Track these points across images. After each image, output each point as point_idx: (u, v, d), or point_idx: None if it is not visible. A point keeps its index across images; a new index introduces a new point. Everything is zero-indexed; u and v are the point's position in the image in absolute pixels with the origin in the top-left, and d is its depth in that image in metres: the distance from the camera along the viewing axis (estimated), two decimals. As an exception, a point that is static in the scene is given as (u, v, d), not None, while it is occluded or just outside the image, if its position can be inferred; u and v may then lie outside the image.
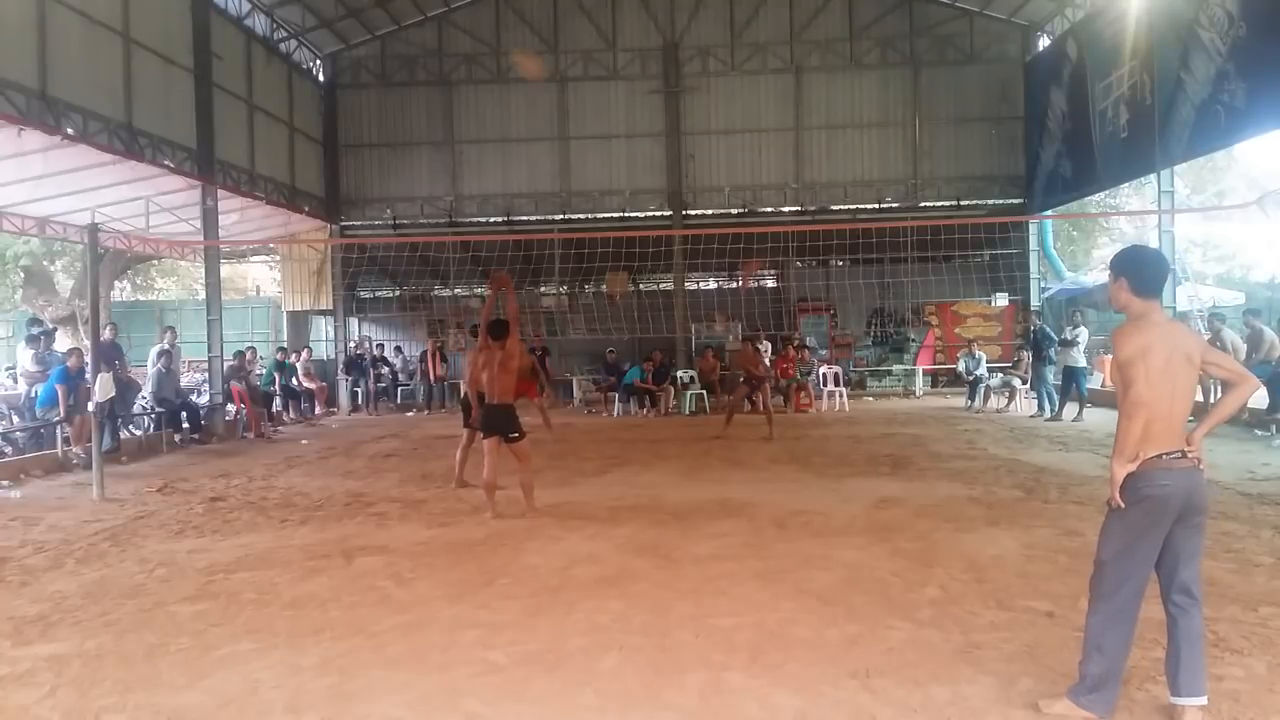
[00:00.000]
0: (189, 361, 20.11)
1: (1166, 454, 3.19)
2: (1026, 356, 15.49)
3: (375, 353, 19.65)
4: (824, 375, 17.58)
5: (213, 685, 3.86)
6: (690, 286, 21.39)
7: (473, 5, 20.08)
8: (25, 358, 11.98)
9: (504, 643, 4.29)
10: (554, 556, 5.94)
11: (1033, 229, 19.83)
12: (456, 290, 22.01)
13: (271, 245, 22.19)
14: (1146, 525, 3.22)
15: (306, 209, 18.82)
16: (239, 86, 15.93)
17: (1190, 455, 3.22)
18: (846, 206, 19.90)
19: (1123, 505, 3.22)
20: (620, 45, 20.02)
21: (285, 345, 18.91)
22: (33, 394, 11.36)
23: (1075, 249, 29.36)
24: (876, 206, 19.91)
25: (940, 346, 20.37)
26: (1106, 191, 21.62)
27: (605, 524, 6.94)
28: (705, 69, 19.96)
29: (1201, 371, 3.32)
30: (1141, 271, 3.34)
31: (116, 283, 25.69)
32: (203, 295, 17.91)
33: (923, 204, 19.92)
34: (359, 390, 19.01)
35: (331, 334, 21.25)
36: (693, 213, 20.02)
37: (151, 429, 12.95)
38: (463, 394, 9.69)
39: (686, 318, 20.15)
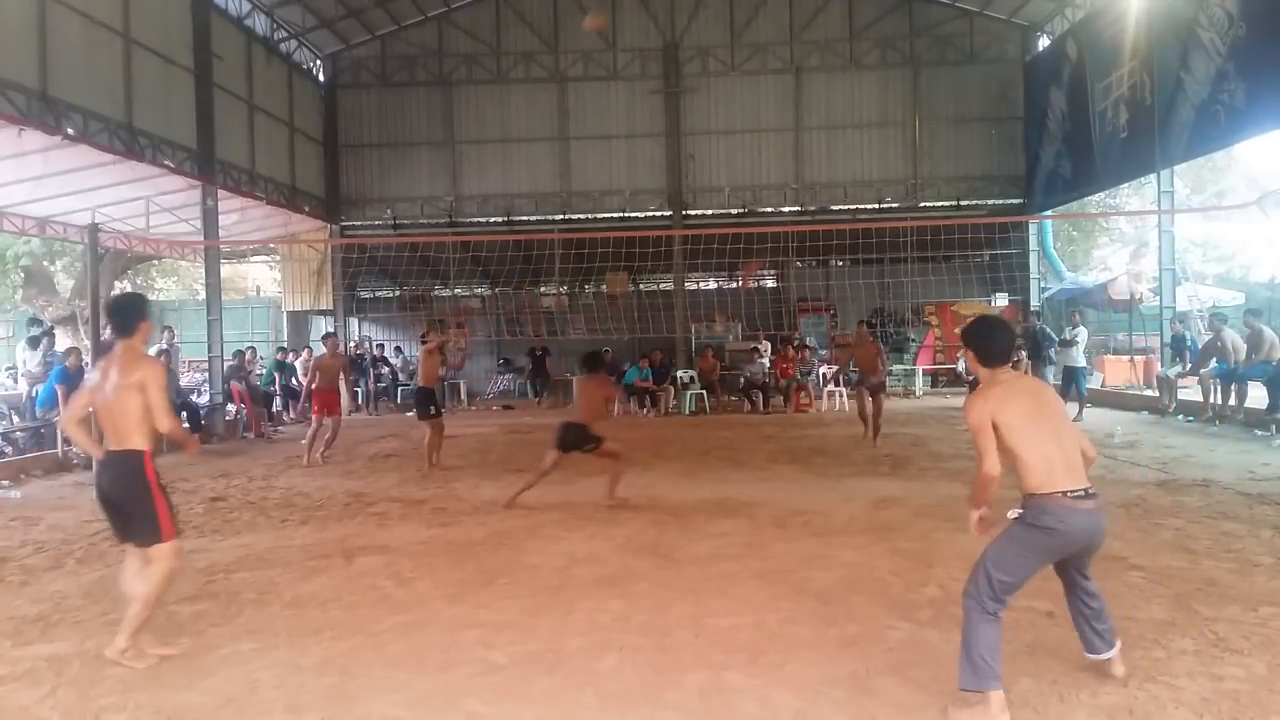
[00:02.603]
0: (189, 361, 20.10)
1: (1070, 492, 3.39)
2: (1025, 357, 15.48)
3: (375, 353, 19.65)
4: (824, 375, 17.57)
5: (213, 685, 3.86)
6: (690, 286, 21.40)
7: (473, 5, 20.09)
8: (30, 359, 11.98)
9: (504, 643, 4.29)
10: (554, 556, 5.94)
11: (1032, 229, 19.84)
12: (456, 290, 22.02)
13: (271, 245, 22.20)
14: (1044, 551, 3.47)
15: (306, 209, 18.82)
16: (239, 86, 15.94)
17: (1093, 494, 3.44)
18: (846, 206, 19.91)
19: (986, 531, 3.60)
20: (620, 45, 20.02)
21: (285, 345, 18.92)
22: (33, 394, 11.36)
23: (1075, 249, 29.35)
24: (876, 206, 19.91)
25: (940, 346, 20.38)
26: (1106, 191, 21.63)
27: (605, 524, 6.94)
28: (705, 69, 19.96)
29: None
30: (987, 345, 3.62)
31: (117, 283, 25.63)
32: (203, 295, 17.92)
33: (923, 204, 19.93)
34: (359, 390, 19.01)
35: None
36: (693, 213, 20.03)
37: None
38: (414, 388, 10.94)
39: (686, 318, 20.16)
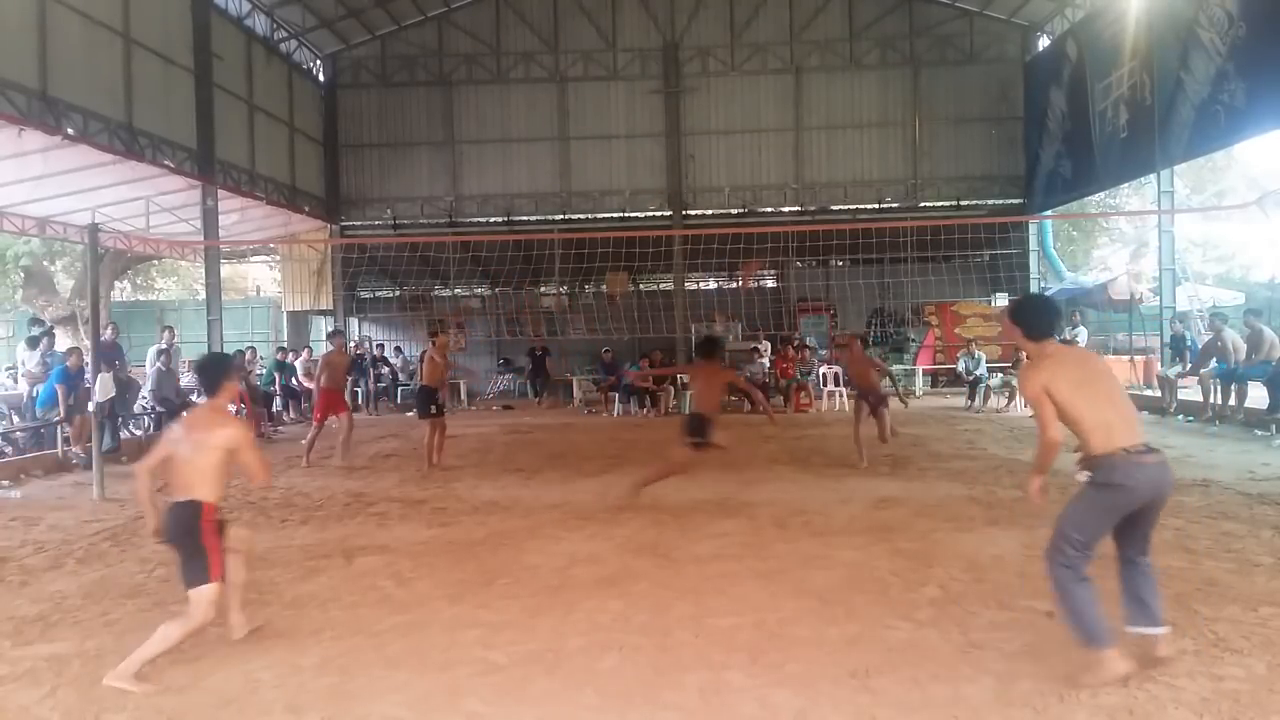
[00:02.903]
0: (189, 362, 20.09)
1: (1131, 448, 3.55)
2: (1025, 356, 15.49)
3: (375, 353, 19.65)
4: (824, 375, 17.57)
5: (213, 685, 3.86)
6: (690, 286, 21.41)
7: (473, 5, 20.10)
8: (29, 359, 11.98)
9: (504, 643, 4.28)
10: (554, 556, 5.94)
11: (1032, 229, 19.85)
12: (456, 290, 22.02)
13: (271, 245, 22.20)
14: (1115, 508, 3.61)
15: (306, 209, 18.83)
16: (239, 86, 15.94)
17: (1154, 449, 3.60)
18: (846, 206, 19.92)
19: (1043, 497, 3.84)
20: (620, 45, 20.03)
21: (285, 345, 18.92)
22: (33, 394, 11.36)
23: (1075, 249, 29.36)
24: (876, 206, 19.92)
25: (940, 346, 20.38)
26: (1106, 191, 21.64)
27: (605, 524, 6.94)
28: (705, 69, 19.97)
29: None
30: (1034, 319, 3.84)
31: (117, 283, 25.68)
32: (203, 295, 17.92)
33: (923, 204, 19.94)
34: (359, 390, 19.00)
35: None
36: (693, 213, 20.04)
37: (151, 429, 12.94)
38: (418, 388, 10.80)
39: (686, 318, 20.16)
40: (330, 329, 11.86)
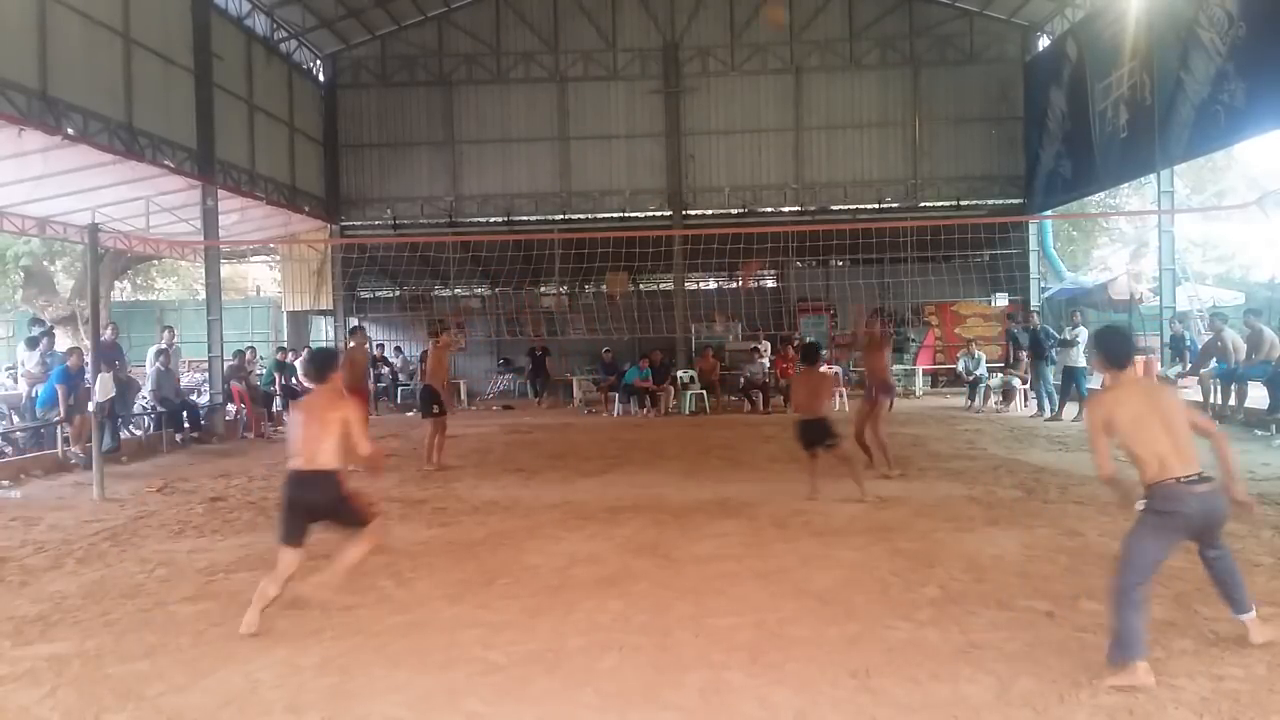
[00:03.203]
0: (189, 361, 20.10)
1: (1183, 478, 3.78)
2: (1025, 356, 15.51)
3: (375, 353, 19.64)
4: (824, 375, 17.54)
5: (213, 685, 3.86)
6: (690, 286, 21.40)
7: (473, 5, 20.09)
8: (29, 359, 11.98)
9: (504, 642, 4.29)
10: (554, 556, 5.94)
11: (1032, 229, 19.84)
12: (456, 290, 22.02)
13: (271, 245, 22.20)
14: (1170, 531, 3.85)
15: (306, 209, 18.82)
16: (239, 86, 15.93)
17: (1207, 478, 3.84)
18: (846, 206, 19.91)
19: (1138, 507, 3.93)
20: (620, 45, 20.02)
21: (285, 345, 18.91)
22: (33, 394, 11.36)
23: (1075, 249, 29.35)
24: (876, 206, 19.91)
25: (940, 346, 20.37)
26: (1106, 191, 21.63)
27: (605, 524, 6.94)
28: (705, 69, 19.96)
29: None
30: (1112, 351, 4.16)
31: (116, 283, 25.68)
32: (203, 295, 17.92)
33: (923, 204, 19.93)
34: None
35: (331, 334, 21.25)
36: (693, 213, 20.03)
37: (151, 429, 12.95)
38: (420, 387, 10.78)
39: (686, 318, 20.15)
40: (351, 325, 11.54)
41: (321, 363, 5.17)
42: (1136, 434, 3.86)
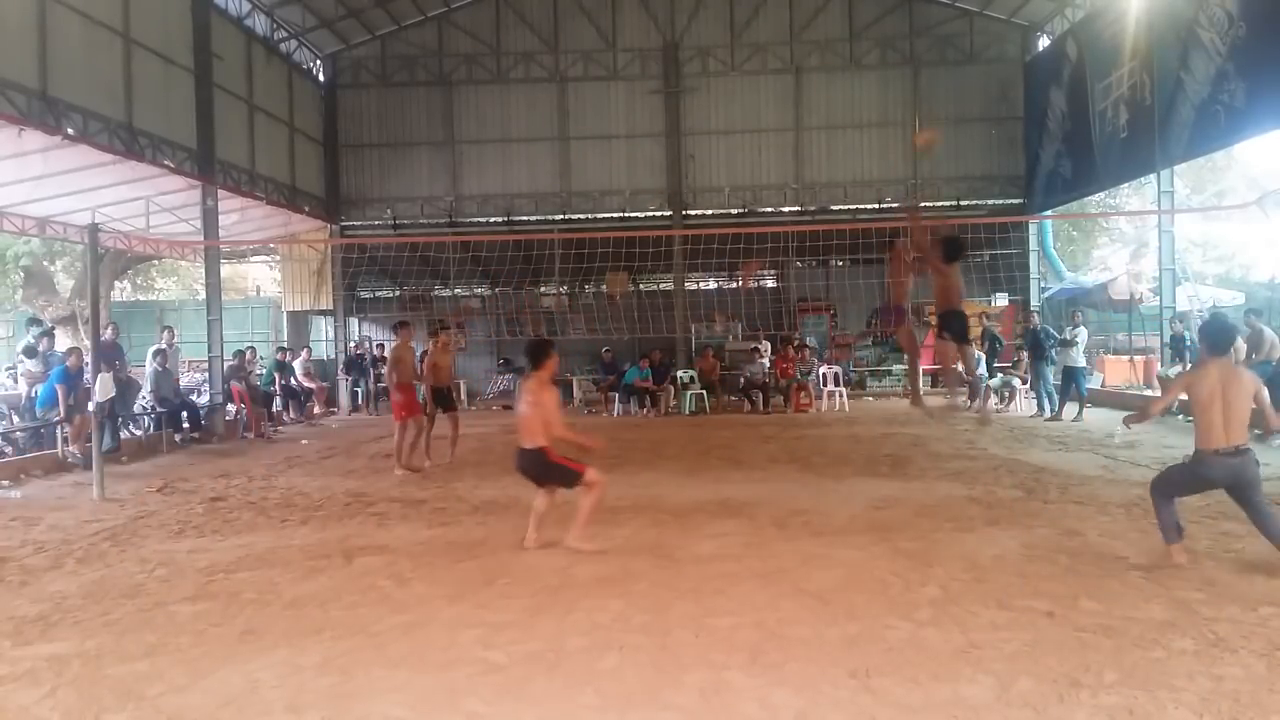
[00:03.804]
0: (189, 361, 20.10)
1: (1220, 450, 5.07)
2: (1025, 356, 15.50)
3: (375, 353, 19.65)
4: (824, 375, 17.57)
5: (213, 685, 3.86)
6: (690, 286, 21.39)
7: (473, 5, 20.08)
8: (28, 361, 11.97)
9: (504, 642, 4.28)
10: (554, 556, 5.94)
11: (1033, 229, 19.83)
12: (456, 290, 22.02)
13: (271, 245, 22.19)
14: (1195, 480, 5.36)
15: (306, 209, 18.82)
16: (239, 86, 15.93)
17: (1242, 450, 5.08)
18: (846, 206, 19.90)
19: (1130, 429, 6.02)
20: (620, 45, 20.01)
21: (285, 345, 18.92)
22: (33, 394, 11.36)
23: (1075, 249, 29.34)
24: (876, 206, 19.90)
25: (940, 346, 20.31)
26: (1106, 191, 21.61)
27: (605, 524, 6.93)
28: (705, 69, 19.96)
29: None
30: (1212, 340, 5.33)
31: (116, 283, 25.67)
32: (203, 295, 17.91)
33: (923, 204, 19.91)
34: (359, 390, 19.01)
35: (331, 334, 21.25)
36: (693, 213, 20.02)
37: (151, 429, 12.95)
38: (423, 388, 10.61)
39: (686, 318, 20.14)
40: (397, 320, 11.29)
41: (535, 352, 6.12)
42: (1202, 405, 5.08)
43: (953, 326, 7.90)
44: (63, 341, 15.67)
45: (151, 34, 13.09)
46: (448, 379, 10.92)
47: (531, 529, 6.11)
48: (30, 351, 12.05)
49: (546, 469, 5.94)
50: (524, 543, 6.07)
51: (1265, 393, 5.27)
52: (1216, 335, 5.29)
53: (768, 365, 17.31)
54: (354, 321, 21.61)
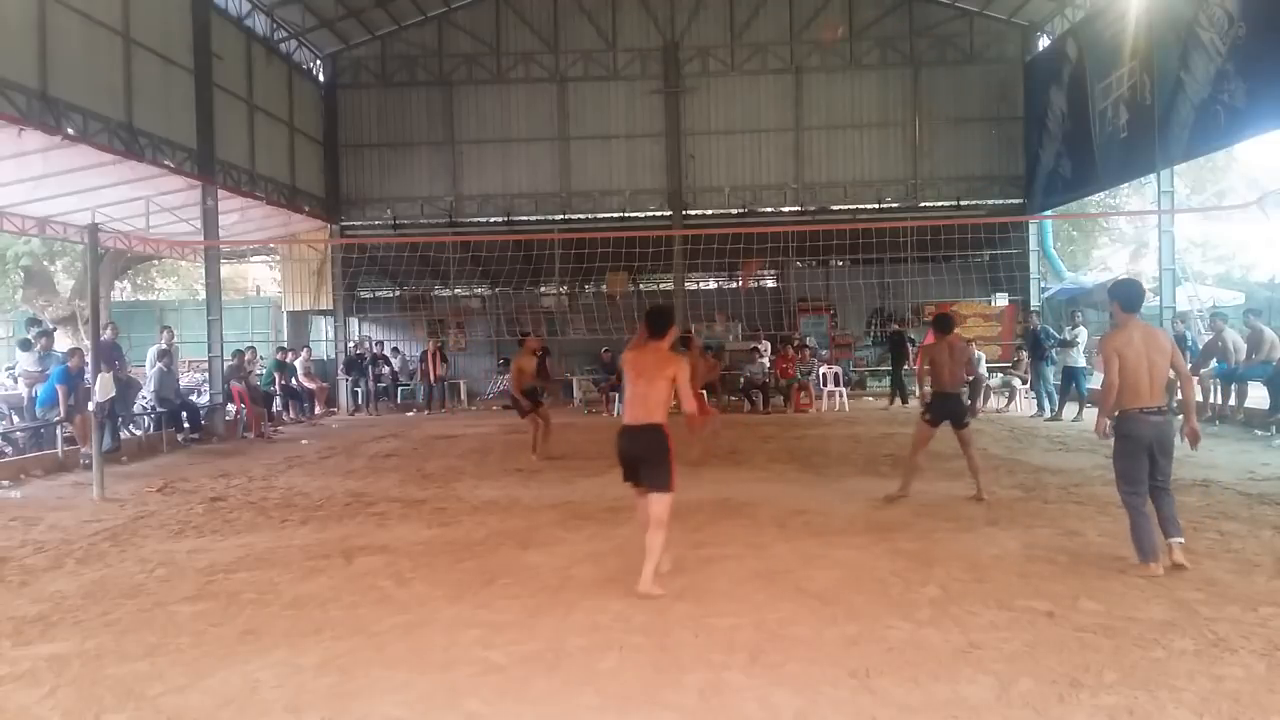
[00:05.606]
0: (189, 361, 20.10)
1: (1144, 409, 5.15)
2: (1025, 356, 15.51)
3: (375, 352, 19.65)
4: (824, 375, 17.58)
5: (213, 685, 3.86)
6: (690, 286, 21.39)
7: (473, 5, 20.08)
8: (25, 359, 11.98)
9: (504, 642, 4.29)
10: (554, 556, 5.94)
11: (1032, 229, 19.82)
12: (456, 290, 22.02)
13: (271, 245, 22.19)
14: (1134, 451, 5.23)
15: (307, 209, 18.81)
16: (239, 86, 15.93)
17: (1164, 410, 5.20)
18: (846, 206, 19.89)
19: (1109, 436, 5.35)
20: (620, 45, 20.01)
21: (285, 345, 18.91)
22: (33, 394, 11.36)
23: (1075, 249, 29.35)
24: (876, 206, 19.90)
25: (940, 346, 20.30)
26: (1106, 191, 21.62)
27: (605, 524, 6.94)
28: (705, 69, 19.96)
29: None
30: (1128, 297, 5.38)
31: (117, 283, 25.70)
32: (203, 295, 17.91)
33: (923, 204, 19.91)
34: (359, 390, 19.01)
35: (331, 334, 21.25)
36: (693, 213, 20.02)
37: (152, 429, 12.95)
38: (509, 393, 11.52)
39: (686, 318, 20.13)
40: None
41: (656, 318, 5.20)
42: (1129, 366, 5.11)
43: (940, 410, 7.70)
44: (63, 341, 15.68)
45: (151, 34, 13.09)
46: (532, 380, 11.47)
47: (659, 559, 5.07)
48: (25, 345, 12.05)
49: (663, 454, 5.00)
50: (657, 568, 5.08)
51: (1181, 357, 5.44)
52: (1129, 291, 5.37)
53: (768, 365, 17.30)
54: (354, 321, 21.60)
